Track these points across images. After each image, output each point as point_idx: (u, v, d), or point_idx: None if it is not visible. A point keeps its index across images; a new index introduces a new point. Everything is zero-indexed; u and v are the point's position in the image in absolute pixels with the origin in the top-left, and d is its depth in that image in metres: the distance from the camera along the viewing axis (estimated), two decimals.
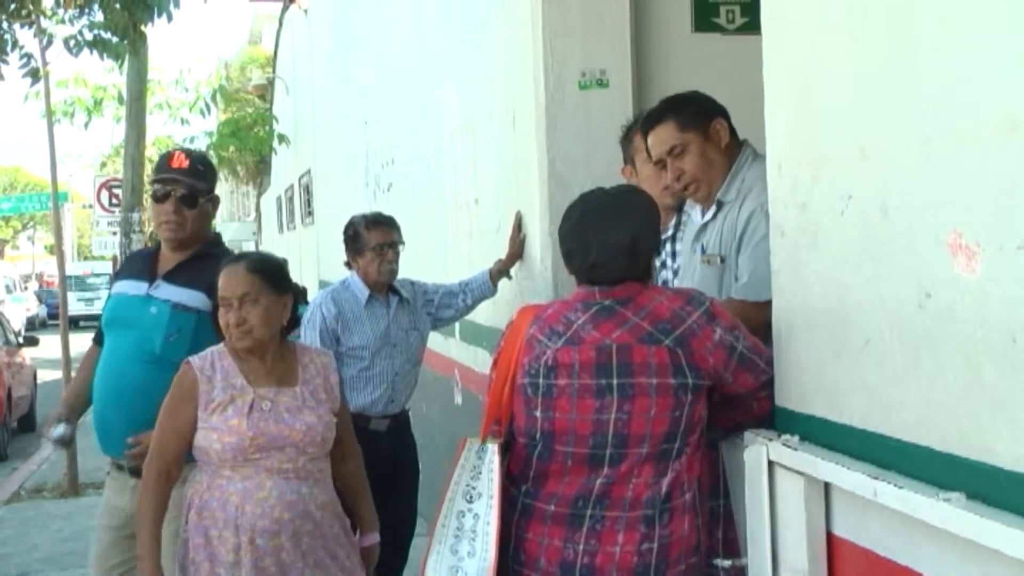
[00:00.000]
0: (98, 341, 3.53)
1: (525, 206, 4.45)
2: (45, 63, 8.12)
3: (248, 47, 28.71)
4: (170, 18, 6.89)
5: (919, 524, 1.82)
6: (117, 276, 3.59)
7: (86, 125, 13.78)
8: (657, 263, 3.22)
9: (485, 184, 5.08)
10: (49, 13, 7.93)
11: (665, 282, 3.27)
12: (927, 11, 1.79)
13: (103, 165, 25.33)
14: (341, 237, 4.51)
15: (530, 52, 4.21)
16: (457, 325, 5.29)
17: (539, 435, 2.40)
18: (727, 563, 2.43)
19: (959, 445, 1.75)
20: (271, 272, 2.96)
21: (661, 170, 3.01)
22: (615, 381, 2.31)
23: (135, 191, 10.30)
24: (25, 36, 12.62)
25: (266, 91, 19.59)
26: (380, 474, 3.46)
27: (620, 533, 2.31)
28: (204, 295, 3.22)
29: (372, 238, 4.34)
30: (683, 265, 3.16)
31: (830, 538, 2.17)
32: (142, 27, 7.11)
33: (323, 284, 9.43)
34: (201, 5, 8.68)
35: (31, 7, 7.74)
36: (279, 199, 17.55)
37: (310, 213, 13.27)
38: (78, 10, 7.29)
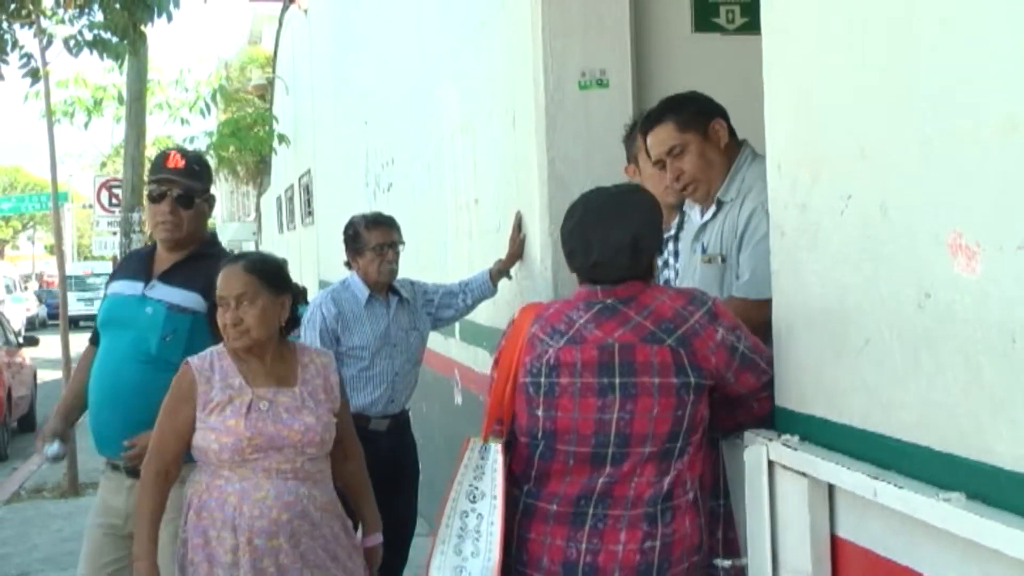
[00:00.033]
0: (94, 342, 3.52)
1: (525, 206, 4.45)
2: (45, 63, 8.12)
3: (248, 47, 28.69)
4: (170, 18, 6.89)
5: (919, 524, 1.82)
6: (113, 276, 3.56)
7: (86, 125, 13.78)
8: (659, 262, 3.22)
9: (485, 184, 5.08)
10: (49, 13, 7.93)
11: (667, 281, 3.27)
12: (927, 11, 1.79)
13: (103, 165, 25.32)
14: (341, 237, 4.51)
15: (530, 52, 4.21)
16: (457, 325, 5.29)
17: (541, 434, 2.40)
18: (727, 563, 2.43)
19: (959, 445, 1.75)
20: (269, 272, 2.95)
21: (660, 170, 3.01)
22: (617, 380, 2.31)
23: (135, 191, 10.29)
24: (25, 36, 12.60)
25: (266, 91, 19.59)
26: (380, 474, 3.46)
27: (622, 532, 2.31)
28: (200, 296, 3.22)
29: (372, 238, 4.34)
30: (683, 265, 3.16)
31: (833, 540, 2.17)
32: (142, 27, 7.11)
33: (323, 284, 9.43)
34: (201, 5, 8.68)
35: (31, 7, 7.74)
36: (279, 199, 17.56)
37: (310, 213, 13.27)
38: (78, 10, 7.29)
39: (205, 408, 2.86)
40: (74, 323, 11.56)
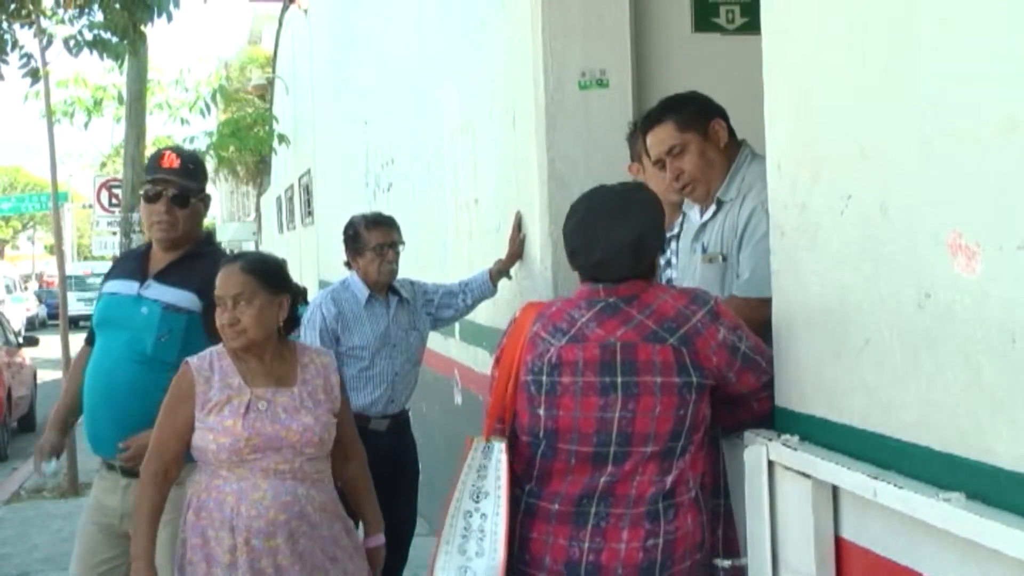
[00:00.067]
0: (90, 342, 3.50)
1: (525, 206, 4.45)
2: (45, 63, 8.12)
3: (248, 47, 28.71)
4: (170, 18, 6.89)
5: (919, 524, 1.82)
6: (108, 276, 3.53)
7: (86, 125, 13.78)
8: (662, 261, 3.22)
9: (485, 184, 5.08)
10: (49, 13, 7.94)
11: (669, 280, 3.27)
12: (927, 11, 1.79)
13: (103, 165, 25.36)
14: (341, 237, 4.51)
15: (530, 52, 4.22)
16: (457, 325, 5.29)
17: (542, 433, 2.40)
18: (727, 563, 2.43)
19: (959, 445, 1.75)
20: (267, 272, 2.95)
21: (660, 170, 3.01)
22: (619, 379, 2.31)
23: (135, 191, 10.27)
24: (25, 36, 12.60)
25: (266, 91, 19.59)
26: (380, 474, 3.45)
27: (625, 530, 2.31)
28: (195, 295, 3.22)
29: (372, 238, 4.34)
30: (682, 265, 3.16)
31: (836, 541, 2.17)
32: (142, 27, 7.12)
33: (323, 284, 9.43)
34: (201, 5, 8.69)
35: (31, 7, 7.74)
36: (279, 199, 17.56)
37: (310, 213, 13.27)
38: (78, 10, 7.29)
39: (204, 408, 2.85)
40: (74, 323, 11.53)
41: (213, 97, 14.71)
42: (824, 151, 2.13)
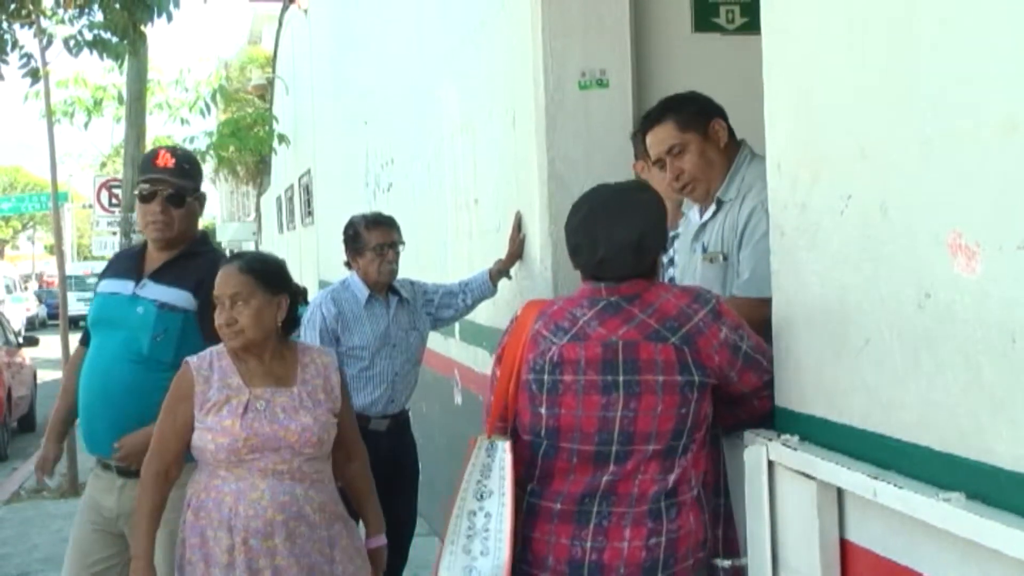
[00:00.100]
0: (85, 342, 3.49)
1: (525, 206, 4.45)
2: (45, 63, 8.13)
3: (248, 47, 28.72)
4: (170, 18, 6.90)
5: (919, 524, 1.82)
6: (103, 275, 3.52)
7: (86, 125, 13.78)
8: (664, 260, 3.22)
9: (485, 184, 5.08)
10: (49, 13, 7.94)
11: (671, 279, 3.27)
12: (927, 11, 1.79)
13: (103, 165, 25.36)
14: (341, 237, 4.51)
15: (530, 52, 4.21)
16: (457, 325, 5.29)
17: (544, 432, 2.40)
18: (727, 563, 2.43)
19: (959, 445, 1.75)
20: (266, 272, 2.94)
21: (660, 169, 3.01)
22: (621, 378, 2.31)
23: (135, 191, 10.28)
24: (25, 36, 12.60)
25: (266, 91, 19.59)
26: (380, 474, 3.45)
27: (627, 529, 2.31)
28: (191, 294, 3.21)
29: (372, 238, 4.34)
30: (682, 265, 3.16)
31: (841, 543, 2.17)
32: (142, 27, 7.12)
33: (323, 284, 9.43)
34: (201, 5, 8.69)
35: (31, 7, 7.75)
36: (279, 199, 17.56)
37: (310, 213, 13.27)
38: (78, 10, 7.30)
39: (202, 408, 2.85)
40: (74, 323, 11.51)
41: (213, 97, 14.72)
42: (824, 151, 2.13)
